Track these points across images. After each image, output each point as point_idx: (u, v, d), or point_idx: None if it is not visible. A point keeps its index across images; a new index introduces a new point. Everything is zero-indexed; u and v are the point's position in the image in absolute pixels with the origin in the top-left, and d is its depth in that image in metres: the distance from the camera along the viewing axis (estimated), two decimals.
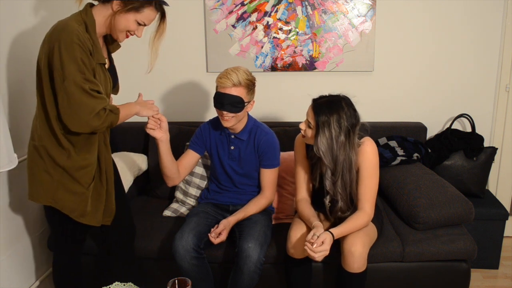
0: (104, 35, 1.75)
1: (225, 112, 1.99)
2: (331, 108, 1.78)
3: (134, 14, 1.64)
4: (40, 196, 1.72)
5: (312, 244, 1.72)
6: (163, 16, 1.75)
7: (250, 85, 2.01)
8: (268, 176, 2.16)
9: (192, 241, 1.96)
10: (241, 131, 2.12)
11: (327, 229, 2.08)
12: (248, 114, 2.15)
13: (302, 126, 1.87)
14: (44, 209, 1.84)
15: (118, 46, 1.86)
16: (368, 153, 1.87)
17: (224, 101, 1.97)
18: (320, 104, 1.81)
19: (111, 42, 1.81)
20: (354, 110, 1.83)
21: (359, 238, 1.84)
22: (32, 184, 1.73)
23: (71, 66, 1.52)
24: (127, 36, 1.72)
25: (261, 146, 2.12)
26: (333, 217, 1.98)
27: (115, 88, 1.87)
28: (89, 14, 1.62)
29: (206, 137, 2.18)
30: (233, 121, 2.03)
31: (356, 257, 1.82)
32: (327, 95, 1.86)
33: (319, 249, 1.72)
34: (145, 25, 1.70)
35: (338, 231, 1.81)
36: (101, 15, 1.64)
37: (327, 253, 1.73)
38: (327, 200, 1.94)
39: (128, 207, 2.04)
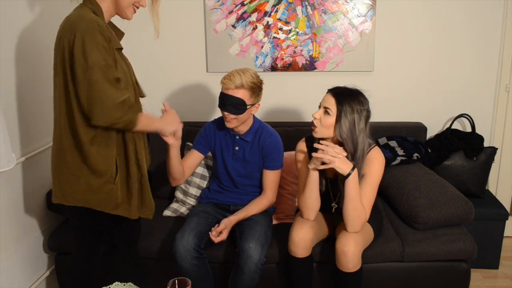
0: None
1: (226, 113, 2.00)
2: (352, 96, 1.85)
3: None
4: (71, 198, 1.72)
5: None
6: None
7: (255, 88, 2.00)
8: (271, 178, 2.16)
9: (193, 241, 1.96)
10: (246, 133, 2.12)
11: (328, 235, 2.11)
12: (253, 116, 2.15)
13: (317, 115, 1.86)
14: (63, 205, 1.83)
15: (122, 34, 1.87)
16: (375, 162, 1.89)
17: (226, 102, 1.98)
18: (340, 93, 1.86)
19: (114, 30, 1.83)
20: (368, 102, 1.90)
21: (351, 237, 1.85)
22: (59, 187, 1.72)
23: (94, 53, 1.53)
24: (134, 11, 1.74)
25: (265, 148, 2.12)
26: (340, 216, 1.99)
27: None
28: (93, 2, 1.64)
29: (211, 137, 2.18)
30: (235, 123, 2.03)
31: (349, 257, 1.82)
32: (342, 86, 1.90)
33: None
34: None
35: (354, 180, 1.82)
36: (106, 2, 1.66)
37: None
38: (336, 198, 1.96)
39: None
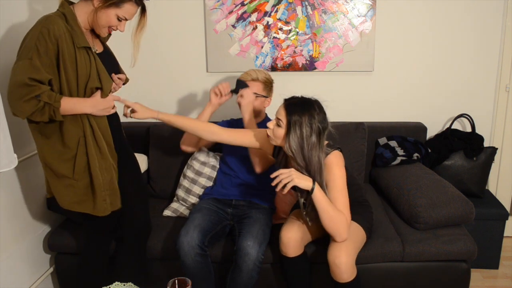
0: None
1: None
2: (304, 108, 1.78)
3: (115, 9, 1.70)
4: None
5: None
6: (143, 10, 1.82)
7: (267, 83, 2.29)
8: None
9: (198, 238, 1.97)
10: (258, 124, 2.29)
11: (326, 234, 2.06)
12: (265, 113, 2.37)
13: (270, 125, 1.85)
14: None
15: (108, 35, 1.93)
16: (333, 166, 1.82)
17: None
18: (292, 104, 1.81)
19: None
20: (325, 114, 1.82)
21: (343, 248, 1.80)
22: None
23: (26, 50, 1.63)
24: (110, 32, 1.79)
25: None
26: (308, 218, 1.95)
27: (119, 73, 1.94)
28: (65, 6, 1.72)
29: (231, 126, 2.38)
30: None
31: (343, 269, 1.79)
32: (300, 96, 1.85)
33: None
34: (126, 19, 1.76)
35: (319, 191, 1.76)
36: (82, 11, 1.73)
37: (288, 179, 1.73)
38: (301, 199, 1.90)
39: (144, 205, 2.09)
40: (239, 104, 2.20)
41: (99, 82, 1.76)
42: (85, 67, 1.71)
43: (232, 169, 2.30)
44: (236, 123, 2.40)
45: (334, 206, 1.79)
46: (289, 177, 1.73)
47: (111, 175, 1.85)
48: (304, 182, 1.74)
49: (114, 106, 1.84)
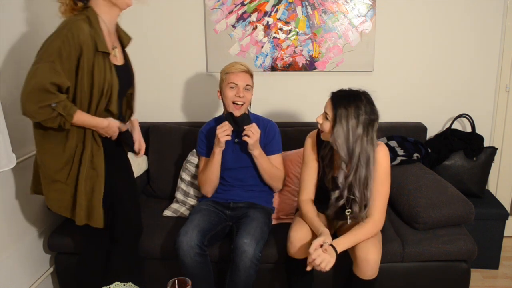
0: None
1: (242, 95, 2.14)
2: (350, 100, 1.76)
3: None
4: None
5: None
6: None
7: (251, 72, 2.23)
8: (279, 161, 2.29)
9: (197, 237, 1.97)
10: None
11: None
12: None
13: (319, 120, 1.83)
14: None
15: (129, 39, 1.94)
16: (380, 158, 1.82)
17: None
18: (339, 97, 1.79)
19: (122, 36, 1.90)
20: (373, 105, 1.79)
21: (374, 245, 1.82)
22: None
23: (48, 53, 1.61)
24: (130, 4, 1.79)
25: (269, 130, 2.26)
26: (338, 219, 1.97)
27: (132, 88, 1.96)
28: (89, 9, 1.72)
29: (211, 137, 2.21)
30: (244, 107, 2.18)
31: (372, 265, 1.79)
32: (347, 89, 1.83)
33: (323, 256, 1.72)
34: None
35: (342, 246, 1.78)
36: (100, 1, 1.73)
37: (331, 264, 1.73)
38: (339, 201, 1.88)
39: (135, 206, 2.07)
40: (245, 140, 2.10)
41: (109, 101, 1.77)
42: (98, 73, 1.70)
43: (225, 180, 2.27)
44: (213, 130, 2.19)
45: (358, 233, 1.81)
46: (325, 265, 1.72)
47: (92, 185, 1.80)
48: (333, 261, 1.74)
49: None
